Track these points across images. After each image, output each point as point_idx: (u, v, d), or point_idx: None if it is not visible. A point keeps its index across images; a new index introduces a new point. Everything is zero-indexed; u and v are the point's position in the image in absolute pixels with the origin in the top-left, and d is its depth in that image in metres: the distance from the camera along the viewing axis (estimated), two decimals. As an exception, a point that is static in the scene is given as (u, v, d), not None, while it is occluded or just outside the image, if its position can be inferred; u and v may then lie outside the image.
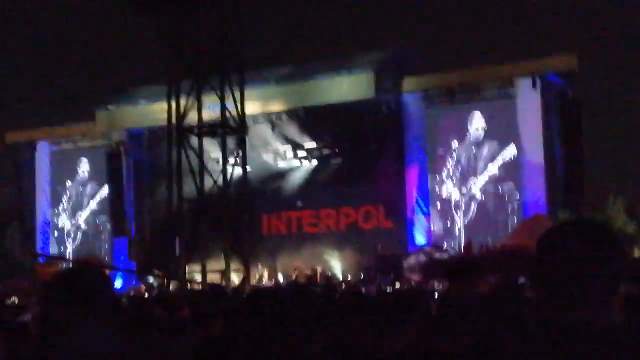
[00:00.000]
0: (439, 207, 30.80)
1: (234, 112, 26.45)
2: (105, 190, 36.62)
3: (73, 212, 37.68)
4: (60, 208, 37.98)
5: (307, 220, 33.56)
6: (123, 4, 27.96)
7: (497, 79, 29.80)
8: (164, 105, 27.88)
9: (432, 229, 30.80)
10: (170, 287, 25.90)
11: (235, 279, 26.72)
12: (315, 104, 31.85)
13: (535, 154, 28.82)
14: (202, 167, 26.70)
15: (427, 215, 30.88)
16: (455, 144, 30.57)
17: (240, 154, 26.91)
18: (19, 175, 38.52)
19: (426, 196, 30.96)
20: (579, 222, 2.65)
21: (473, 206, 30.22)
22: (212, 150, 30.01)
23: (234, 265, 26.34)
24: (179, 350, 4.97)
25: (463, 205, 30.36)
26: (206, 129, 27.26)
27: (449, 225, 30.62)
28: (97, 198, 37.13)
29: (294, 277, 29.66)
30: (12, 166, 38.58)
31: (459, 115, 30.49)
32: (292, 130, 33.16)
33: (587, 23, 38.65)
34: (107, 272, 30.16)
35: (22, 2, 45.36)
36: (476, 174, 30.21)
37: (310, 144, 33.15)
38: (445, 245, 29.97)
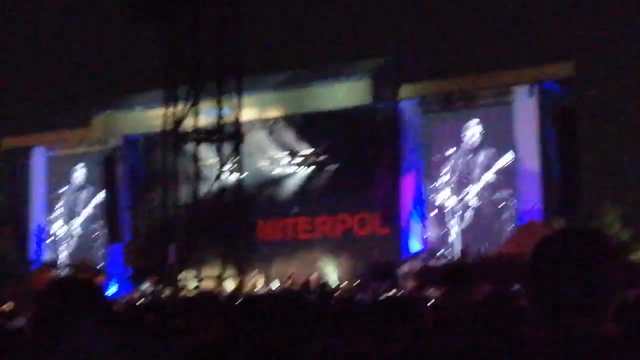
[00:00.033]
0: (434, 214, 30.82)
1: (230, 119, 26.45)
2: (100, 196, 36.58)
3: (68, 218, 37.62)
4: (56, 214, 37.94)
5: (303, 227, 33.54)
6: (120, 9, 27.98)
7: (494, 87, 29.87)
8: (160, 112, 27.87)
9: (427, 236, 30.81)
10: (165, 294, 25.85)
11: (230, 285, 26.68)
12: (312, 111, 31.89)
13: (532, 161, 28.86)
14: (198, 174, 26.69)
15: (422, 222, 30.89)
16: (451, 151, 30.61)
17: (237, 160, 26.90)
18: (13, 181, 38.47)
19: (422, 203, 30.98)
20: (574, 231, 2.65)
21: (469, 213, 30.24)
22: (208, 156, 30.01)
23: (228, 271, 26.32)
24: (172, 357, 4.95)
25: (459, 212, 30.38)
26: (202, 135, 27.25)
27: (444, 233, 30.63)
28: (93, 204, 37.09)
29: (288, 283, 29.64)
30: (8, 171, 38.53)
31: (455, 123, 30.54)
32: (289, 137, 33.18)
33: (584, 31, 38.72)
34: (101, 278, 30.15)
35: (17, 7, 45.37)
36: (472, 181, 30.24)
37: (307, 151, 33.16)
38: (440, 253, 29.97)
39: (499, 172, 29.75)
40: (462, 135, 30.47)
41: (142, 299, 24.69)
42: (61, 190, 37.83)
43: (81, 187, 37.55)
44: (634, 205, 30.10)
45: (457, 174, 30.51)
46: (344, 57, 34.86)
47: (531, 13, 42.43)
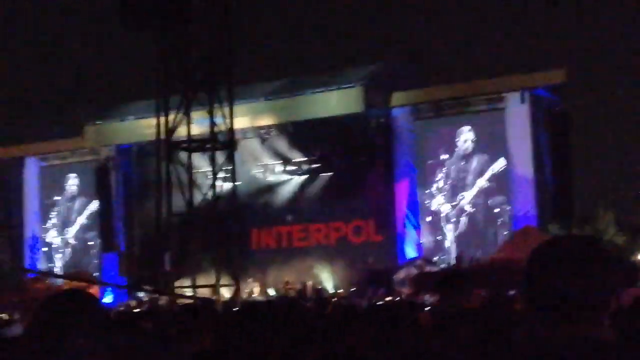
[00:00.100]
0: (429, 221, 30.85)
1: (223, 127, 26.44)
2: (94, 206, 36.54)
3: (62, 228, 37.57)
4: (49, 223, 37.88)
5: (297, 235, 33.56)
6: (112, 20, 27.97)
7: (486, 93, 29.94)
8: (153, 121, 27.84)
9: (422, 242, 30.84)
10: (160, 302, 25.79)
11: (226, 293, 26.64)
12: (305, 119, 31.90)
13: (525, 167, 28.94)
14: (191, 182, 26.67)
15: (417, 228, 30.93)
16: (444, 157, 30.66)
17: (230, 168, 26.88)
18: (7, 191, 38.41)
19: (416, 210, 31.02)
20: (569, 237, 2.67)
21: (463, 219, 30.28)
22: (201, 164, 29.98)
23: (224, 279, 26.27)
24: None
25: (453, 218, 30.42)
26: (195, 144, 27.23)
27: (439, 239, 30.66)
28: (86, 213, 37.05)
29: (284, 291, 29.63)
30: (1, 182, 38.47)
31: (448, 129, 30.60)
32: (282, 145, 33.20)
33: (575, 38, 38.86)
34: (96, 289, 30.07)
35: (10, 20, 45.35)
36: (466, 187, 30.30)
37: (300, 159, 33.18)
38: (435, 259, 30.01)
39: (492, 178, 29.80)
40: (455, 141, 30.53)
41: (139, 307, 24.65)
42: (54, 200, 37.77)
43: (74, 197, 37.51)
44: (628, 209, 30.18)
45: (451, 180, 30.57)
46: (336, 66, 34.94)
47: (523, 21, 42.60)
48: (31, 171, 38.31)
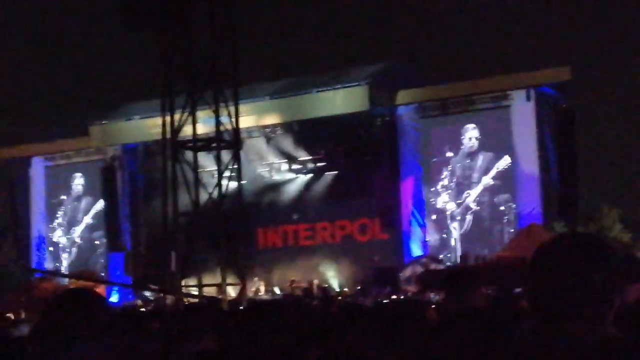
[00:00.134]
0: (434, 219, 30.83)
1: (228, 126, 26.44)
2: (100, 205, 36.58)
3: (68, 227, 37.63)
4: (55, 223, 37.94)
5: (303, 233, 33.58)
6: (116, 19, 27.98)
7: (491, 91, 29.90)
8: (158, 120, 27.86)
9: (427, 240, 30.82)
10: (167, 302, 25.82)
11: (232, 292, 26.66)
12: (310, 117, 31.90)
13: (530, 165, 28.91)
14: (197, 181, 26.67)
15: (422, 226, 30.91)
16: (450, 155, 30.64)
17: (235, 167, 26.88)
18: (13, 191, 38.48)
19: (421, 208, 31.01)
20: (574, 235, 2.67)
21: (468, 217, 30.26)
22: (207, 163, 30.00)
23: (230, 279, 26.28)
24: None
25: (459, 216, 30.40)
26: (201, 144, 27.25)
27: (444, 237, 30.65)
28: (92, 213, 37.09)
29: (290, 290, 29.65)
30: (7, 182, 38.54)
31: (453, 127, 30.57)
32: (287, 144, 33.20)
33: (580, 36, 38.79)
34: (102, 288, 30.13)
35: (14, 19, 45.41)
36: (471, 185, 30.27)
37: (305, 157, 33.18)
38: (441, 257, 30.00)
39: (498, 176, 29.77)
40: (460, 139, 30.51)
41: (145, 307, 24.71)
42: (60, 200, 37.83)
43: (80, 197, 37.56)
44: (633, 207, 30.15)
45: (456, 178, 30.55)
46: (341, 64, 34.96)
47: (528, 18, 42.52)
48: (37, 171, 38.37)
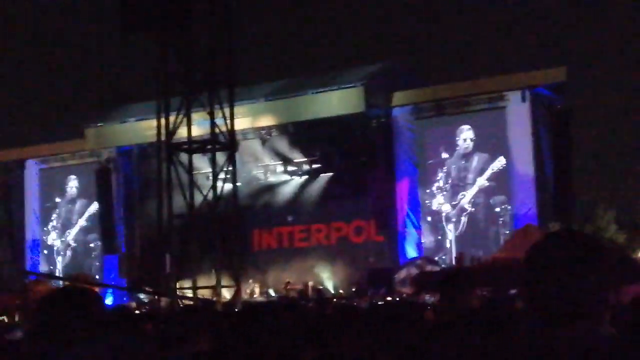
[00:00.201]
0: (429, 220, 30.84)
1: (223, 128, 26.43)
2: (94, 208, 36.54)
3: (62, 230, 37.57)
4: (50, 226, 37.88)
5: (298, 235, 33.57)
6: (112, 22, 27.98)
7: (486, 92, 29.93)
8: (153, 122, 27.86)
9: (423, 241, 30.83)
10: (161, 304, 25.80)
11: (227, 294, 26.65)
12: (305, 119, 31.90)
13: (526, 166, 28.93)
14: (192, 183, 26.66)
15: (418, 228, 30.92)
16: (445, 157, 30.65)
17: (230, 169, 26.87)
18: (8, 194, 38.42)
19: (417, 209, 31.01)
20: (566, 233, 2.65)
21: (463, 219, 30.27)
22: (202, 165, 29.99)
23: (224, 281, 26.27)
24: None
25: (454, 217, 30.40)
26: (196, 145, 27.24)
27: (440, 238, 30.65)
28: (87, 215, 37.05)
29: (285, 291, 29.64)
30: (1, 184, 38.48)
31: (448, 128, 30.58)
32: (282, 145, 33.20)
33: (576, 36, 38.86)
34: (97, 289, 30.08)
35: (9, 23, 45.37)
36: (466, 187, 30.29)
37: (301, 159, 33.17)
38: (436, 258, 30.00)
39: (493, 178, 29.79)
40: (455, 141, 30.52)
41: (140, 309, 24.66)
42: (55, 202, 37.77)
43: (75, 199, 37.52)
44: (628, 208, 30.20)
45: (451, 180, 30.56)
46: (337, 66, 34.99)
47: (523, 20, 42.57)
48: (32, 173, 38.31)
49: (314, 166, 33.00)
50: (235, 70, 27.19)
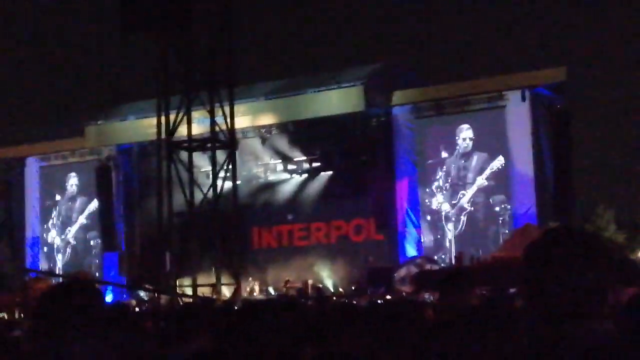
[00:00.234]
0: (429, 219, 30.84)
1: (223, 127, 26.44)
2: (94, 205, 36.53)
3: (62, 227, 37.57)
4: (50, 223, 37.87)
5: (298, 234, 33.57)
6: (113, 20, 27.99)
7: (486, 92, 29.92)
8: (153, 121, 27.87)
9: (422, 240, 30.83)
10: (161, 302, 25.81)
11: (226, 292, 26.66)
12: (305, 118, 31.90)
13: (525, 165, 28.92)
14: (192, 182, 26.67)
15: (417, 227, 30.92)
16: (445, 156, 30.65)
17: (230, 167, 26.88)
18: (8, 191, 38.42)
19: (416, 208, 31.01)
20: (564, 230, 2.66)
21: (463, 218, 30.27)
22: (202, 164, 30.00)
23: (224, 279, 26.29)
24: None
25: (454, 216, 30.40)
26: (196, 144, 27.25)
27: (439, 237, 30.65)
28: (87, 213, 37.04)
29: (285, 290, 29.65)
30: (1, 182, 38.48)
31: (448, 128, 30.58)
32: (282, 144, 33.19)
33: (575, 36, 38.86)
34: (98, 286, 30.09)
35: (9, 21, 45.36)
36: (466, 186, 30.28)
37: (300, 158, 33.17)
38: (435, 257, 30.00)
39: (492, 177, 29.78)
40: (455, 140, 30.52)
41: (140, 307, 24.68)
42: (55, 200, 37.76)
43: (75, 197, 37.51)
44: (628, 207, 30.22)
45: (451, 179, 30.55)
46: (337, 65, 34.99)
47: (523, 19, 42.56)
48: (32, 171, 38.31)
49: (314, 165, 32.99)
50: (235, 70, 27.22)
